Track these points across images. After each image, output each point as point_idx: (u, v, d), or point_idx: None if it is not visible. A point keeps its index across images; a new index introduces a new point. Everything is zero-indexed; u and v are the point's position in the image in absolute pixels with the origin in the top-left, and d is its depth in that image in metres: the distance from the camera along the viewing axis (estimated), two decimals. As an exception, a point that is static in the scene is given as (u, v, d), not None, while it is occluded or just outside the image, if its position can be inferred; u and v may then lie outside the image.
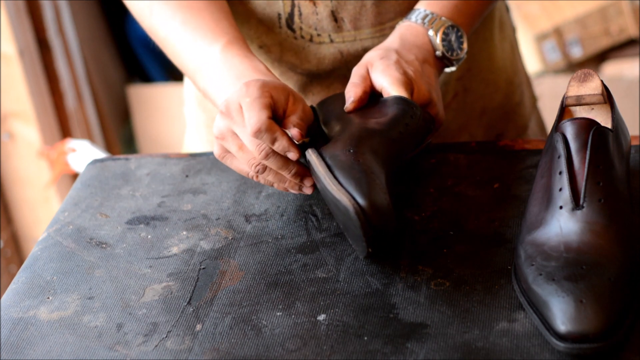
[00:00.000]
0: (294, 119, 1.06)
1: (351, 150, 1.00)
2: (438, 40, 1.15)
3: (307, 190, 1.07)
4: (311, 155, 1.02)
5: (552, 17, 2.66)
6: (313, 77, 1.25)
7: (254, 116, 1.02)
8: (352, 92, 1.10)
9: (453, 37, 1.16)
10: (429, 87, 1.12)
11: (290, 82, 1.26)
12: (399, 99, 1.08)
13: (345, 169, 0.98)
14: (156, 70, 2.95)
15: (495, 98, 1.35)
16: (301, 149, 1.06)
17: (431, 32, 1.15)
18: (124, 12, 2.90)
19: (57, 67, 2.57)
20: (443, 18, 1.16)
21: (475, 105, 1.33)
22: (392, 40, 1.16)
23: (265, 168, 1.05)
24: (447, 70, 1.18)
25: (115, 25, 2.92)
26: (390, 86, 1.09)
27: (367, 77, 1.11)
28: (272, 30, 1.22)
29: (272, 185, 1.08)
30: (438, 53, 1.15)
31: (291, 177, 1.06)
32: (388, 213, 0.96)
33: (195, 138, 1.39)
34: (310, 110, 1.09)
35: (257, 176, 1.07)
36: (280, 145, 1.03)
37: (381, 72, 1.10)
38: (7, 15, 2.37)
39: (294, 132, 1.04)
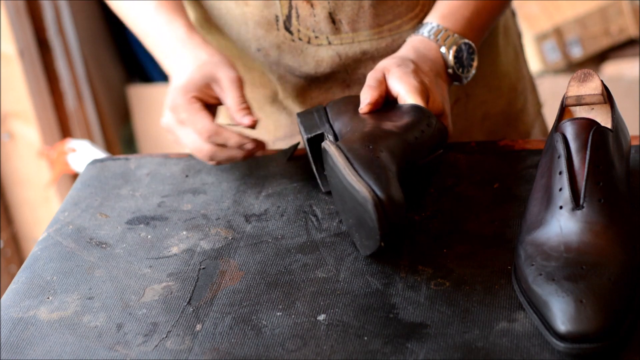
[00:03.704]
0: (233, 105, 1.12)
1: (370, 147, 1.01)
2: (450, 57, 1.15)
3: (249, 146, 1.12)
4: (330, 146, 1.02)
5: (552, 17, 2.66)
6: (312, 81, 1.25)
7: (198, 123, 1.11)
8: (368, 95, 1.10)
9: (465, 55, 1.16)
10: (443, 99, 1.12)
11: (288, 87, 1.26)
12: (415, 107, 1.08)
13: (365, 162, 0.98)
14: (156, 70, 2.95)
15: (498, 104, 1.35)
16: (315, 142, 1.10)
17: (443, 49, 1.16)
18: (124, 12, 2.90)
19: (57, 67, 2.57)
20: (456, 35, 1.16)
21: (476, 111, 1.33)
22: (407, 51, 1.16)
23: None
24: (455, 83, 1.19)
25: (115, 25, 2.92)
26: (407, 94, 1.09)
27: (384, 82, 1.12)
28: (269, 33, 1.22)
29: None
30: (449, 70, 1.16)
31: (244, 154, 1.13)
32: (403, 209, 0.96)
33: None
34: (238, 75, 1.14)
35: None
36: (233, 141, 1.11)
37: (398, 78, 1.10)
38: (7, 15, 2.37)
39: (247, 121, 1.12)
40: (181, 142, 1.15)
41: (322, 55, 1.23)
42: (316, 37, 1.22)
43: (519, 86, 1.38)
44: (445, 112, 1.12)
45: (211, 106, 1.15)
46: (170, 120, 1.14)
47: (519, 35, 1.42)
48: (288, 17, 1.21)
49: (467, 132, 1.33)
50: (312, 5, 1.20)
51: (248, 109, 1.12)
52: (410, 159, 1.05)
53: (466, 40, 1.16)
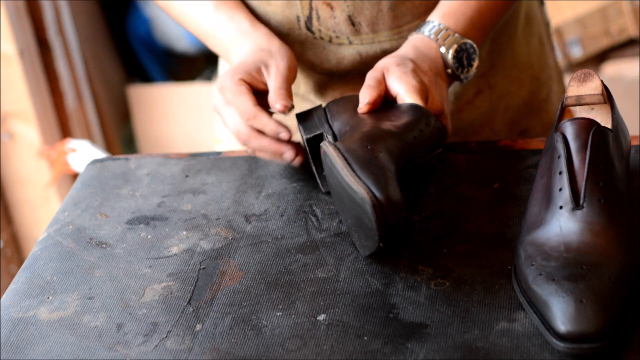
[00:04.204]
0: (271, 90, 1.13)
1: (369, 147, 1.01)
2: (450, 57, 1.15)
3: (284, 135, 1.12)
4: (328, 147, 1.02)
5: (552, 17, 2.65)
6: (333, 76, 1.26)
7: (241, 104, 1.11)
8: (367, 94, 1.10)
9: (464, 55, 1.16)
10: (442, 99, 1.12)
11: (310, 82, 1.27)
12: (414, 107, 1.08)
13: (364, 163, 0.98)
14: (156, 70, 2.95)
15: (520, 94, 1.34)
16: (314, 142, 1.10)
17: (443, 49, 1.16)
18: (124, 12, 2.90)
19: (57, 67, 2.57)
20: (456, 35, 1.16)
21: (498, 102, 1.33)
22: (407, 49, 1.16)
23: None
24: (455, 83, 1.19)
25: (115, 25, 2.92)
26: (406, 94, 1.09)
27: (383, 82, 1.12)
28: (292, 32, 1.23)
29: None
30: (448, 70, 1.16)
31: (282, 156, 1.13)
32: (402, 209, 0.96)
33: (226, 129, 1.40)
34: (292, 61, 1.15)
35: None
36: (269, 128, 1.11)
37: (397, 78, 1.11)
38: (7, 15, 2.37)
39: (278, 106, 1.12)
40: (225, 123, 1.15)
41: (344, 53, 1.23)
42: (337, 37, 1.23)
43: (543, 76, 1.37)
44: (444, 112, 1.12)
45: (260, 93, 1.15)
46: (218, 101, 1.15)
47: (546, 24, 1.40)
48: (309, 18, 1.22)
49: (489, 124, 1.33)
50: (331, 8, 1.20)
51: (283, 95, 1.13)
52: (409, 159, 1.05)
53: (467, 40, 1.16)
